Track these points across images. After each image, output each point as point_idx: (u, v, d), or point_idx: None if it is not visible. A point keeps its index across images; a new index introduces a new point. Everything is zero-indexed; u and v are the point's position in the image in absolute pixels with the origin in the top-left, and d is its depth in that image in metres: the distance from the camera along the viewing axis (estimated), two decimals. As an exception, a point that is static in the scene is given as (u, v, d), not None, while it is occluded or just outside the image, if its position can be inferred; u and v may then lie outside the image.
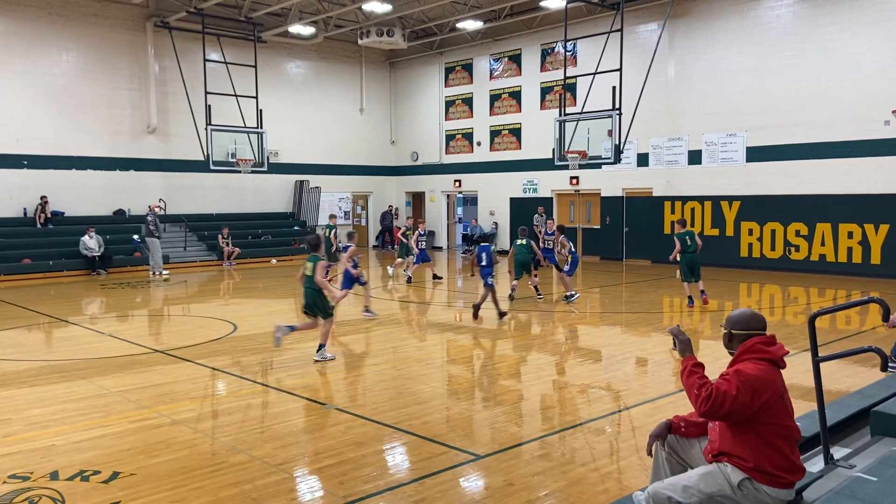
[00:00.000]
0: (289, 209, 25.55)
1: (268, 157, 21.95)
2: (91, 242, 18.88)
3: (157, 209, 19.01)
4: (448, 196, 27.36)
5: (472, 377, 8.33)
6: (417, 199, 28.37)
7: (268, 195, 24.90)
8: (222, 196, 23.59)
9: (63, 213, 20.34)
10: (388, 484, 4.88)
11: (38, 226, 19.71)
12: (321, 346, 8.78)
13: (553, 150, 18.64)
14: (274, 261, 22.33)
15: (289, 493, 4.78)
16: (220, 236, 21.65)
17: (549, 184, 23.34)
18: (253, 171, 21.90)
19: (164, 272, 18.48)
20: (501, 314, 11.60)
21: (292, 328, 8.90)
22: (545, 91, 23.45)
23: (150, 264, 18.68)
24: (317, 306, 8.76)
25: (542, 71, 23.51)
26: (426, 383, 7.87)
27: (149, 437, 5.91)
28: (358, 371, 8.53)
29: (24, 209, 19.93)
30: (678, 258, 12.74)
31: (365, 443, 5.72)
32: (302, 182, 25.43)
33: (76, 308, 13.99)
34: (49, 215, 19.92)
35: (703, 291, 12.74)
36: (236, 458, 5.36)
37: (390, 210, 27.90)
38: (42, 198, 19.86)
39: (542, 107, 23.46)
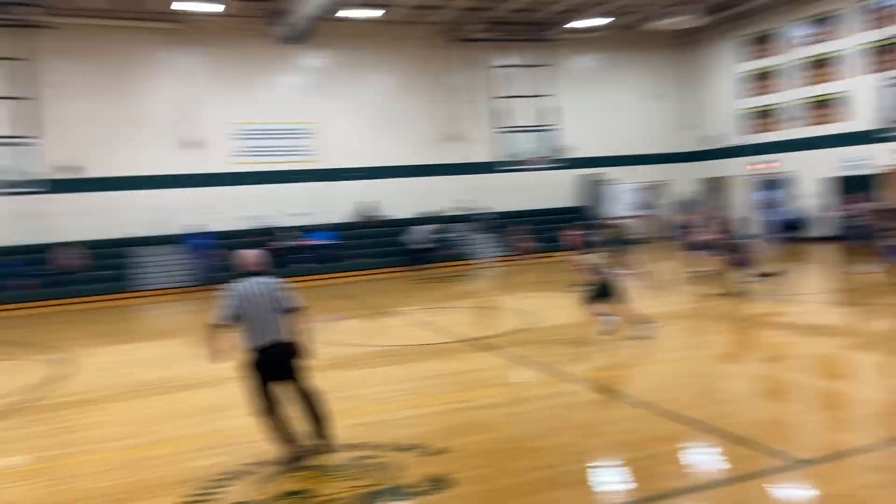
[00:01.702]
0: (579, 203, 25.76)
1: (558, 153, 22.38)
2: (418, 236, 20.96)
3: (488, 210, 20.91)
4: (750, 179, 25.13)
5: (796, 377, 7.62)
6: (714, 186, 26.52)
7: (558, 190, 25.35)
8: (515, 194, 24.60)
9: (387, 216, 23.09)
10: (692, 484, 4.74)
11: (368, 228, 22.64)
12: (638, 325, 9.08)
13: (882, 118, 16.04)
14: (564, 255, 22.67)
15: (591, 482, 4.90)
16: (515, 233, 22.65)
17: (878, 158, 20.17)
18: (544, 168, 22.51)
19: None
20: None
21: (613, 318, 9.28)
22: (869, 53, 20.30)
23: (475, 258, 20.26)
24: (607, 294, 9.07)
25: (863, 31, 20.39)
26: (737, 381, 7.41)
27: (465, 417, 6.48)
28: (662, 364, 8.35)
29: (356, 215, 22.99)
30: None
31: (668, 439, 5.60)
32: (592, 175, 25.44)
33: (401, 300, 15.75)
34: (377, 219, 22.76)
35: None
36: (541, 444, 5.64)
37: (690, 201, 26.46)
38: (368, 203, 22.79)
39: (867, 71, 20.35)
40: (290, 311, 5.50)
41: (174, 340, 12.49)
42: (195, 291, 18.30)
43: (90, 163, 19.79)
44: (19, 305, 17.09)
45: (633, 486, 4.78)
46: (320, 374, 8.62)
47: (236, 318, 5.35)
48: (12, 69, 17.31)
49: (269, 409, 5.42)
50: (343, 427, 6.28)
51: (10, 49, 17.37)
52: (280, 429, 5.45)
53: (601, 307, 9.23)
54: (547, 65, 22.45)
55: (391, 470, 5.21)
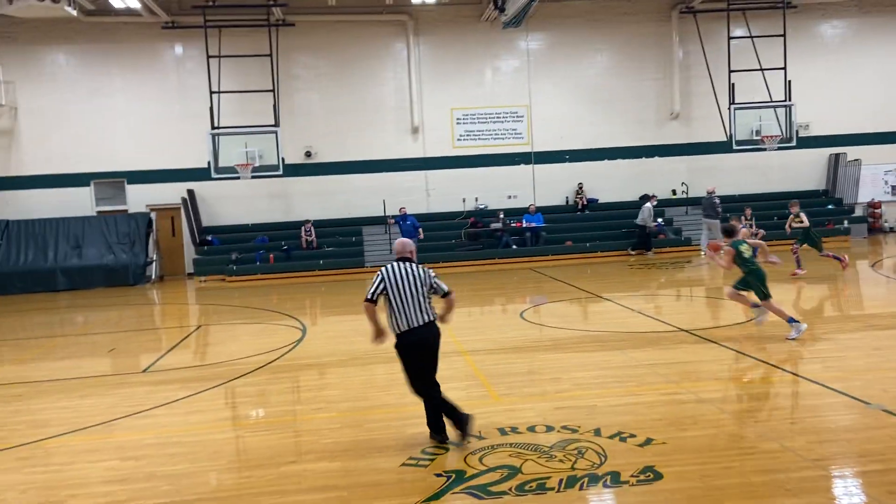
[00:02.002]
0: (821, 186, 23.26)
1: (796, 131, 20.37)
2: (641, 218, 20.30)
3: (714, 190, 19.81)
4: None
5: None
6: None
7: (796, 172, 23.11)
8: (744, 176, 22.85)
9: (597, 199, 22.64)
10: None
11: (577, 212, 22.38)
12: (790, 321, 8.59)
13: None
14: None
15: (826, 492, 4.45)
16: (742, 217, 21.06)
17: None
18: (780, 148, 20.61)
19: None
20: None
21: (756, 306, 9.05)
22: None
23: (701, 243, 19.30)
24: (750, 286, 8.85)
25: None
26: None
27: (677, 410, 6.19)
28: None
29: (566, 198, 22.84)
30: None
31: (923, 455, 4.90)
32: (837, 155, 22.83)
33: (610, 285, 15.42)
34: (585, 202, 22.43)
35: None
36: (767, 446, 5.21)
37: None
38: (579, 185, 22.50)
39: None
40: (440, 294, 5.72)
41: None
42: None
43: (322, 149, 21.71)
44: (264, 276, 19.32)
45: (878, 501, 4.25)
46: (529, 355, 8.78)
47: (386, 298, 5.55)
48: (258, 65, 19.42)
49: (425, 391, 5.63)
50: (552, 410, 6.31)
51: (256, 47, 19.49)
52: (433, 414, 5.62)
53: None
54: (782, 35, 20.42)
55: (599, 456, 5.13)
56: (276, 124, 18.51)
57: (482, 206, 22.20)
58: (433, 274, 5.77)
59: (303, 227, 20.65)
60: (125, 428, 6.55)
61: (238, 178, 18.49)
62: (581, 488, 4.63)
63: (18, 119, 20.52)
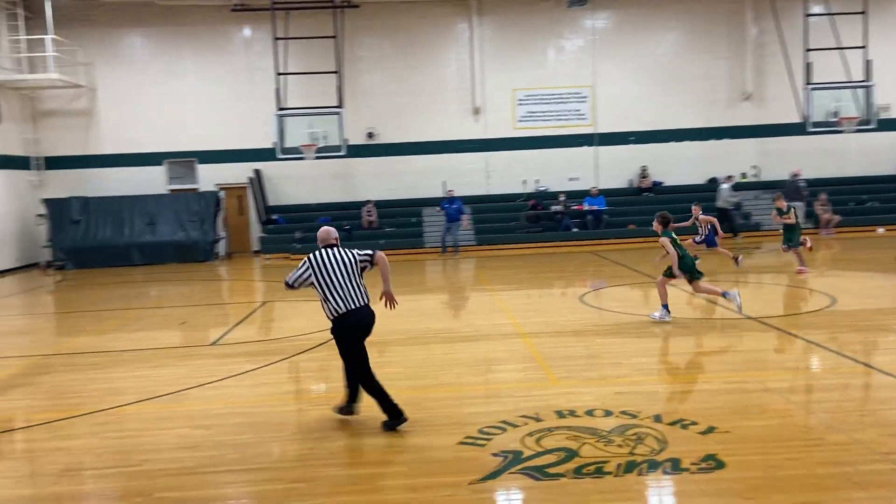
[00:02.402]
0: (902, 171, 22.15)
1: (876, 113, 19.38)
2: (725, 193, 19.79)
3: (800, 173, 19.15)
4: None
5: None
6: None
7: (875, 156, 22.05)
8: (819, 159, 21.93)
9: (662, 182, 22.12)
10: None
11: (641, 195, 21.94)
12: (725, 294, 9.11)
13: None
14: (881, 230, 19.77)
15: (898, 488, 4.28)
16: (816, 203, 20.26)
17: None
18: (858, 130, 19.67)
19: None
20: None
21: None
22: None
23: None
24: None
25: None
26: None
27: (742, 399, 6.05)
28: None
29: (630, 180, 22.40)
30: None
31: None
32: (920, 138, 21.65)
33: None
34: (650, 185, 21.96)
35: None
36: (835, 438, 5.05)
37: None
38: (643, 168, 22.02)
39: None
40: (371, 262, 5.70)
41: (454, 295, 13.43)
42: (475, 250, 19.49)
43: (384, 129, 21.86)
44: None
45: (954, 501, 4.08)
46: (589, 339, 8.71)
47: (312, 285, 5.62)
48: (323, 46, 19.64)
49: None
50: (611, 395, 6.26)
51: (321, 28, 19.68)
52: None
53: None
54: (862, 12, 19.40)
55: (659, 443, 5.07)
56: (340, 105, 18.73)
57: (543, 189, 22.00)
58: (360, 253, 5.76)
59: (364, 208, 20.91)
60: (195, 398, 6.82)
61: (302, 158, 18.81)
62: (640, 474, 4.59)
63: (97, 100, 21.37)
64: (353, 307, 5.58)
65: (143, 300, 14.02)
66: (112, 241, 19.99)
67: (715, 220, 13.99)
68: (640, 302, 11.73)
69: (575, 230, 20.37)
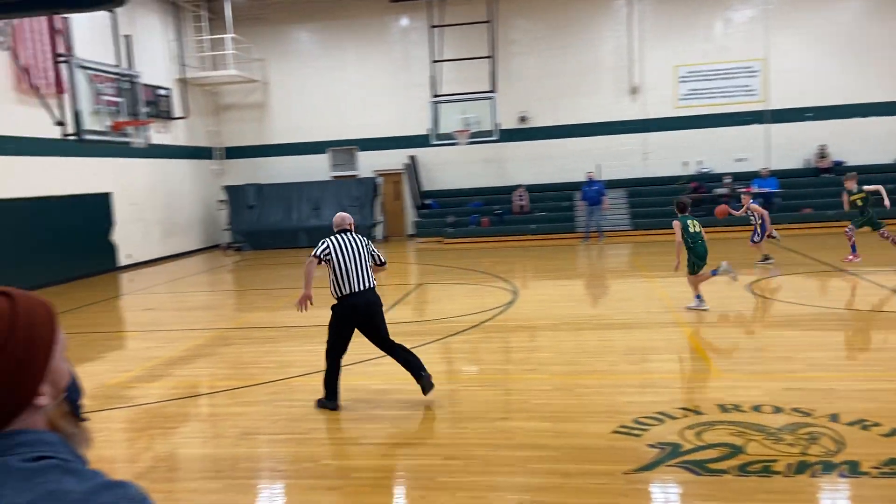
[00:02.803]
0: None
1: None
2: None
3: None
4: None
5: None
6: None
7: None
8: None
9: (843, 162, 20.18)
10: None
11: (818, 176, 20.15)
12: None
13: None
14: None
15: None
16: None
17: None
18: None
19: None
20: None
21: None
22: None
23: None
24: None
25: None
26: None
27: (937, 402, 5.42)
28: None
29: (806, 160, 20.65)
30: None
31: None
32: None
33: (866, 258, 13.74)
34: (829, 165, 20.11)
35: None
36: None
37: None
38: (821, 147, 20.19)
39: None
40: (378, 263, 6.18)
41: (608, 281, 13.12)
42: (630, 234, 18.92)
43: (537, 113, 21.68)
44: (478, 239, 19.91)
45: None
46: (756, 331, 8.17)
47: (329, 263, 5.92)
48: (477, 32, 19.76)
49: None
50: (781, 390, 5.84)
51: (475, 14, 19.80)
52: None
53: None
54: None
55: (835, 443, 4.66)
56: (493, 90, 18.80)
57: (706, 170, 20.84)
58: (372, 245, 6.24)
59: (515, 192, 20.92)
60: (356, 373, 7.18)
61: (455, 144, 19.13)
62: (813, 475, 4.26)
63: (269, 93, 22.97)
64: (358, 290, 5.92)
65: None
66: (282, 225, 21.48)
67: (766, 213, 12.70)
68: (815, 292, 10.82)
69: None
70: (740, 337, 7.91)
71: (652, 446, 4.81)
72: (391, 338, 6.10)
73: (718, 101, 20.84)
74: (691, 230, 9.17)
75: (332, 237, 6.10)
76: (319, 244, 6.05)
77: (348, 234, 6.16)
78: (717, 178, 20.13)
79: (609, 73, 21.29)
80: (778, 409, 5.36)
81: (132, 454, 5.40)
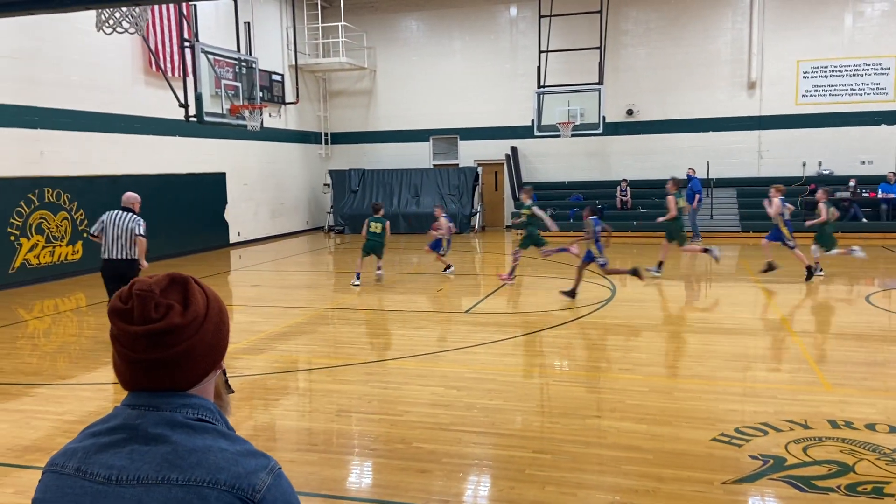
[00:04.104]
0: None
1: None
2: None
3: None
4: None
5: None
6: None
7: None
8: None
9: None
10: None
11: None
12: None
13: None
14: None
15: None
16: None
17: None
18: None
19: None
20: None
21: None
22: None
23: None
24: None
25: None
26: None
27: None
28: None
29: (940, 165, 19.07)
30: None
31: None
32: None
33: None
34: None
35: None
36: None
37: None
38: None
39: None
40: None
41: (712, 283, 12.61)
42: (740, 237, 18.11)
43: (644, 106, 21.05)
44: (576, 233, 19.52)
45: None
46: (874, 345, 7.64)
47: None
48: (587, 22, 19.35)
49: None
50: (900, 408, 5.45)
51: (586, 4, 19.36)
52: None
53: None
54: None
55: (964, 473, 4.30)
56: (600, 82, 18.39)
57: (826, 172, 19.62)
58: (141, 226, 7.76)
59: (618, 187, 20.42)
60: (449, 360, 7.26)
61: (559, 136, 18.86)
62: (933, 505, 3.95)
63: (376, 81, 23.43)
64: (109, 257, 7.67)
65: (406, 266, 15.19)
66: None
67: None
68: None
69: (864, 220, 17.91)
70: (856, 350, 7.42)
71: (754, 457, 4.60)
72: None
73: (844, 98, 19.54)
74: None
75: (111, 211, 7.80)
76: (101, 217, 7.85)
77: (125, 212, 7.79)
78: (839, 181, 18.92)
79: (725, 66, 20.38)
80: (894, 429, 5.00)
81: (235, 422, 5.66)
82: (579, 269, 10.39)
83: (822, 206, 11.49)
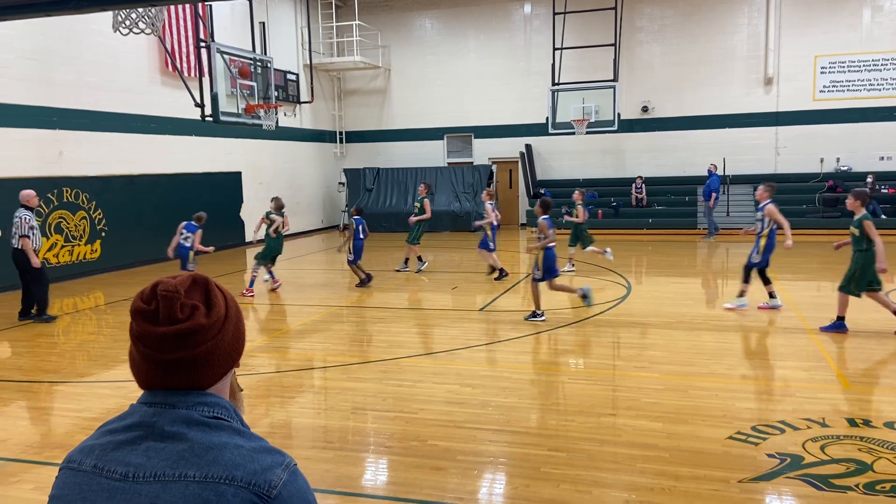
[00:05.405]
0: None
1: None
2: None
3: None
4: None
5: None
6: None
7: None
8: None
9: None
10: None
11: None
12: None
13: None
14: None
15: None
16: None
17: None
18: None
19: None
20: None
21: None
22: None
23: None
24: None
25: None
26: None
27: None
28: None
29: (961, 161, 18.81)
30: None
31: None
32: None
33: None
34: None
35: None
36: None
37: None
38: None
39: None
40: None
41: (729, 281, 12.52)
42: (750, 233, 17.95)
43: (659, 103, 20.92)
44: (592, 231, 19.31)
45: None
46: (892, 344, 7.56)
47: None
48: (601, 19, 19.25)
49: None
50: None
51: (598, 1, 19.25)
52: None
53: None
54: None
55: None
56: (615, 79, 18.29)
57: (844, 168, 19.41)
58: (27, 224, 9.06)
59: (633, 184, 20.32)
60: (464, 358, 7.27)
61: (573, 133, 18.78)
62: (954, 504, 3.90)
63: (391, 79, 23.46)
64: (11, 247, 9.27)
65: (415, 264, 15.19)
66: (397, 209, 21.94)
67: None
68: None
69: (883, 217, 17.70)
70: (875, 349, 7.35)
71: (771, 456, 4.57)
72: None
73: (863, 94, 19.32)
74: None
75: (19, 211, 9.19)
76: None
77: (26, 210, 9.14)
78: (857, 177, 18.71)
79: (741, 62, 20.22)
80: (917, 429, 4.95)
81: (251, 419, 5.71)
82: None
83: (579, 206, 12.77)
